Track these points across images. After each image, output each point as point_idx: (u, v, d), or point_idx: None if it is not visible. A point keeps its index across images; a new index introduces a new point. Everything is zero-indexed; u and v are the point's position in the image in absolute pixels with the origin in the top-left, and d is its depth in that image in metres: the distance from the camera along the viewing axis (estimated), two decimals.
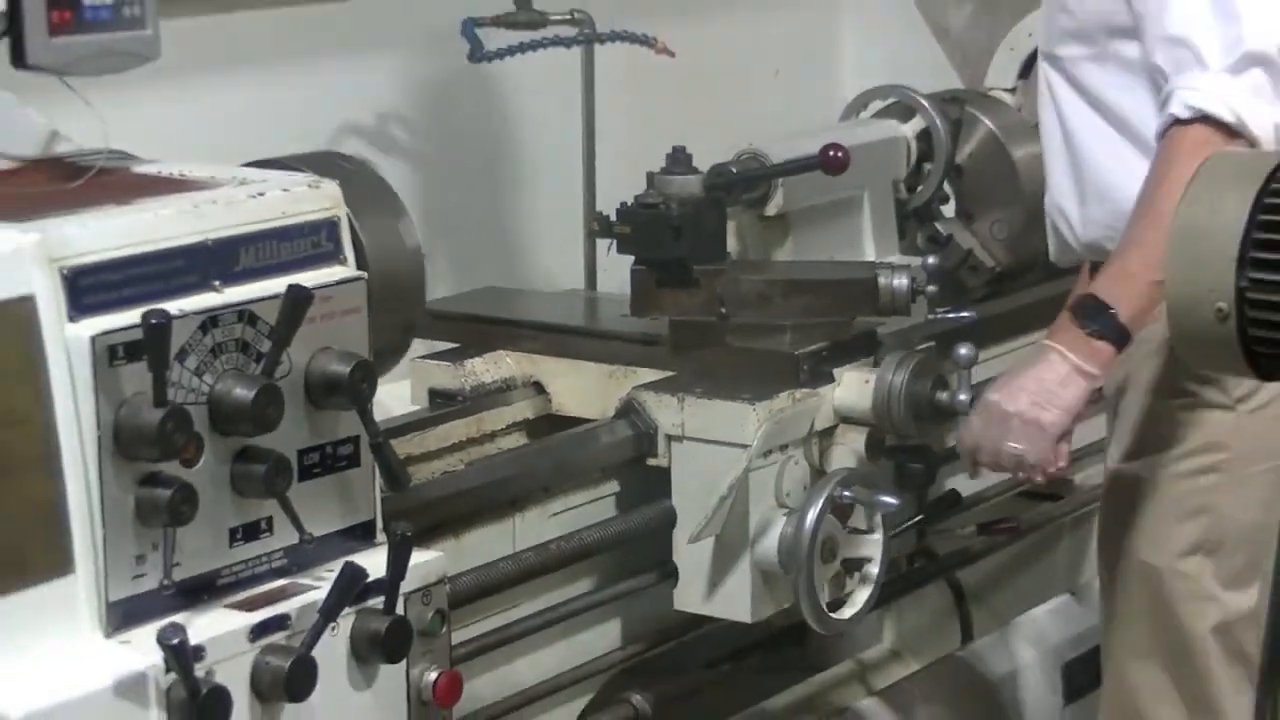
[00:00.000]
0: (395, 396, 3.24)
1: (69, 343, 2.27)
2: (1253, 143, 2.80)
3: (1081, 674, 3.87)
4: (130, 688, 2.24)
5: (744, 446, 3.07)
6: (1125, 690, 3.14)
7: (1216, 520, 3.00)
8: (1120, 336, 2.87)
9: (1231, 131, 2.81)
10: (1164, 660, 3.06)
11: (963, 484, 3.61)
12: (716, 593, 3.13)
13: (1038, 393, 2.90)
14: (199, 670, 2.25)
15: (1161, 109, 2.90)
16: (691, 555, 3.12)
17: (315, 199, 2.55)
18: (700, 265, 3.28)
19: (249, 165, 2.69)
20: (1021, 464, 2.98)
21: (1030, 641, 3.92)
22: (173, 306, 2.31)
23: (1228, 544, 3.00)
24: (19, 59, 2.46)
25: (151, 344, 2.27)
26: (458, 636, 2.74)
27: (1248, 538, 2.97)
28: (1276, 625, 1.82)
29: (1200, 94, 2.82)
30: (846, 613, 3.20)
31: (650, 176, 3.36)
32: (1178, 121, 2.84)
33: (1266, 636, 1.82)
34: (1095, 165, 3.14)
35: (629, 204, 3.37)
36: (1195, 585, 3.01)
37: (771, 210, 3.64)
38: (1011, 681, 3.80)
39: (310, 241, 2.53)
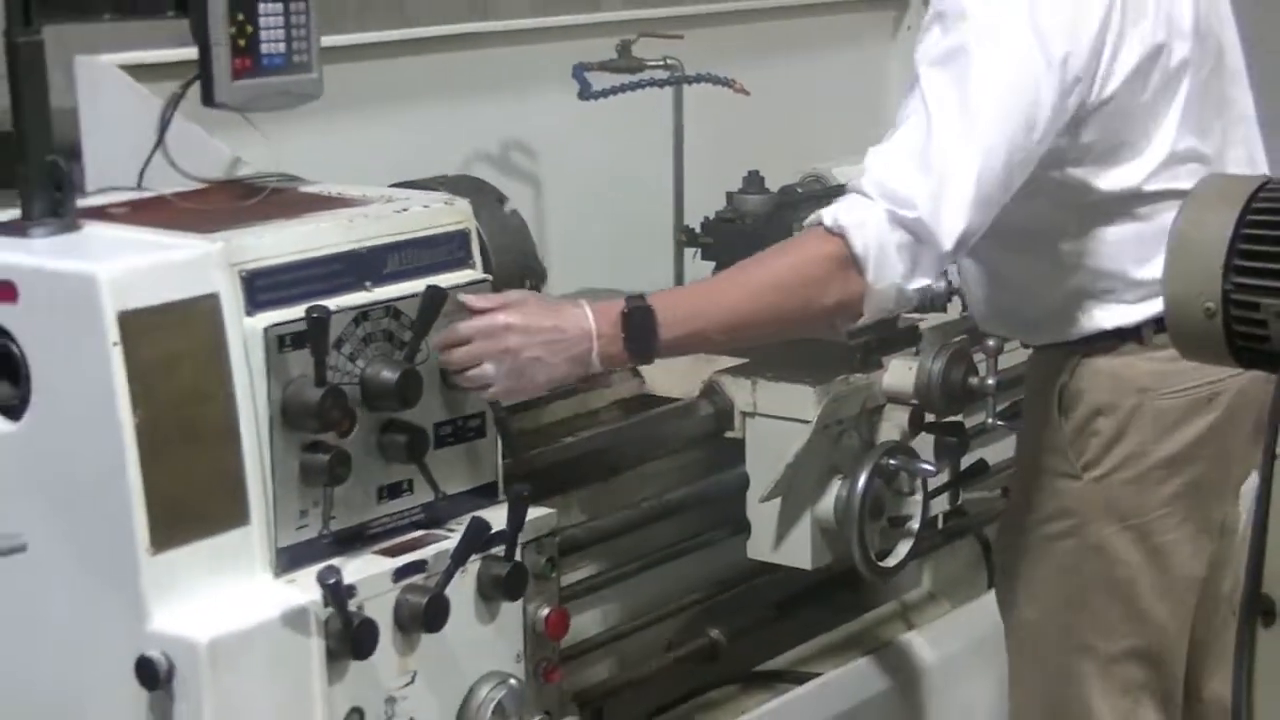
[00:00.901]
0: None
1: (246, 333, 2.29)
2: (870, 284, 2.45)
3: None
4: (295, 620, 2.26)
5: (806, 422, 3.06)
6: None
7: (1080, 578, 2.74)
8: (645, 358, 2.49)
9: (855, 264, 2.44)
10: (1045, 708, 2.84)
11: (990, 454, 3.59)
12: (782, 544, 3.13)
13: (550, 351, 2.40)
14: (351, 605, 2.28)
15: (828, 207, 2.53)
16: (761, 513, 3.12)
17: (449, 214, 2.56)
18: None
19: (395, 185, 2.70)
20: (479, 385, 2.43)
21: None
22: (331, 303, 2.34)
23: (1096, 598, 2.74)
24: (208, 98, 2.49)
25: (314, 334, 2.29)
26: (566, 579, 2.74)
27: (1119, 591, 2.72)
28: (1255, 579, 1.81)
29: (855, 220, 2.45)
30: (891, 561, 3.19)
31: (729, 196, 3.37)
32: (822, 224, 2.48)
33: (1244, 593, 1.81)
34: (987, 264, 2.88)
35: (711, 219, 3.38)
36: (1063, 638, 2.77)
37: None
38: None
39: (445, 249, 2.54)
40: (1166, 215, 2.55)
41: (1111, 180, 2.63)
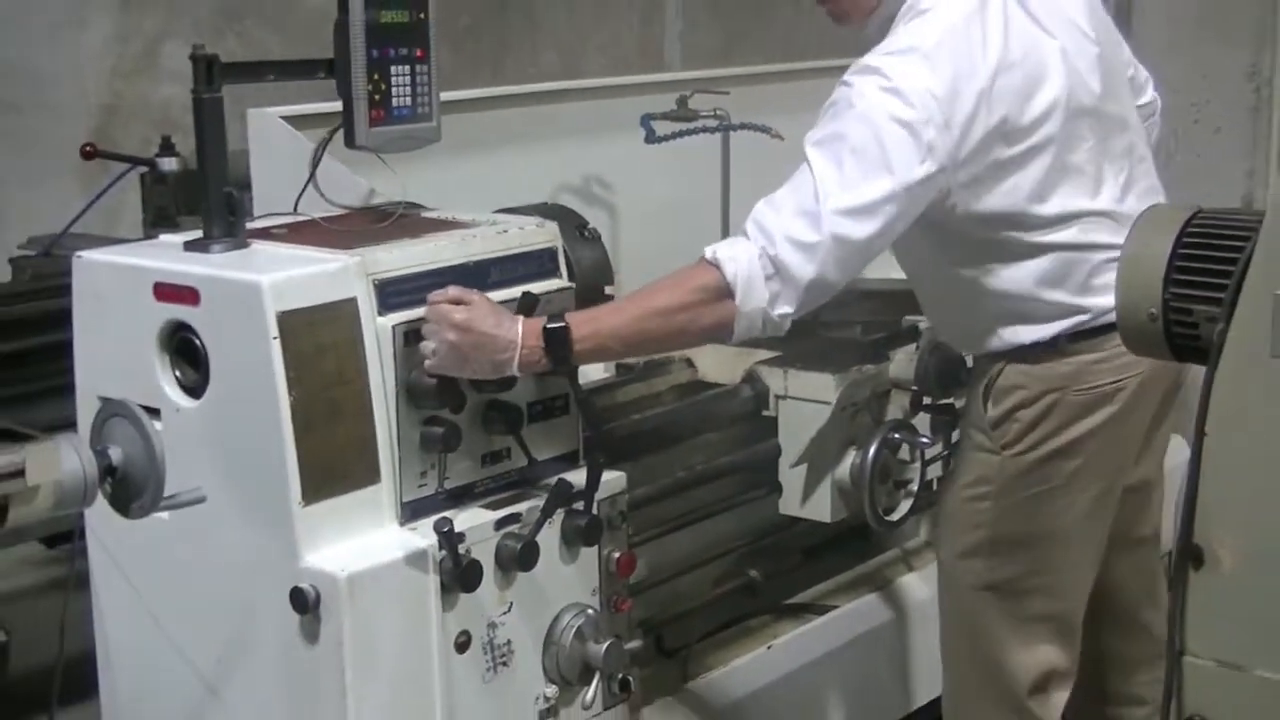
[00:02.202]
0: (593, 367, 3.25)
1: (378, 330, 2.31)
2: (738, 308, 2.40)
3: None
4: (416, 559, 2.28)
5: (828, 404, 3.06)
6: (947, 660, 2.87)
7: (989, 533, 2.70)
8: (562, 366, 2.42)
9: (728, 291, 2.40)
10: (959, 631, 2.82)
11: None
12: (807, 502, 3.12)
13: (477, 352, 2.33)
14: (461, 549, 2.29)
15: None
16: (790, 476, 3.12)
17: (541, 234, 2.57)
18: None
19: (498, 211, 2.71)
20: (424, 355, 2.33)
21: None
22: None
23: (1002, 550, 2.70)
24: (349, 142, 2.51)
25: None
26: (633, 529, 2.73)
27: (1023, 543, 2.70)
28: (1187, 532, 1.80)
29: (729, 254, 2.41)
30: (895, 516, 3.18)
31: None
32: (704, 259, 2.44)
33: (1177, 544, 1.81)
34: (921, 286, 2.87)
35: None
36: (974, 578, 2.73)
37: None
38: None
39: (537, 262, 2.55)
40: (1071, 253, 2.58)
41: (1016, 234, 2.58)
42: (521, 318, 2.39)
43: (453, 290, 2.36)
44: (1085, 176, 2.61)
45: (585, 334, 2.39)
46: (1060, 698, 2.78)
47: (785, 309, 2.44)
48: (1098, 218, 2.60)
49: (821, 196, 2.40)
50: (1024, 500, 2.68)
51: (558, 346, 2.37)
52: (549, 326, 2.37)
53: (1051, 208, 2.58)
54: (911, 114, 2.42)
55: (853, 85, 2.47)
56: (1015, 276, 2.61)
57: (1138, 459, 2.76)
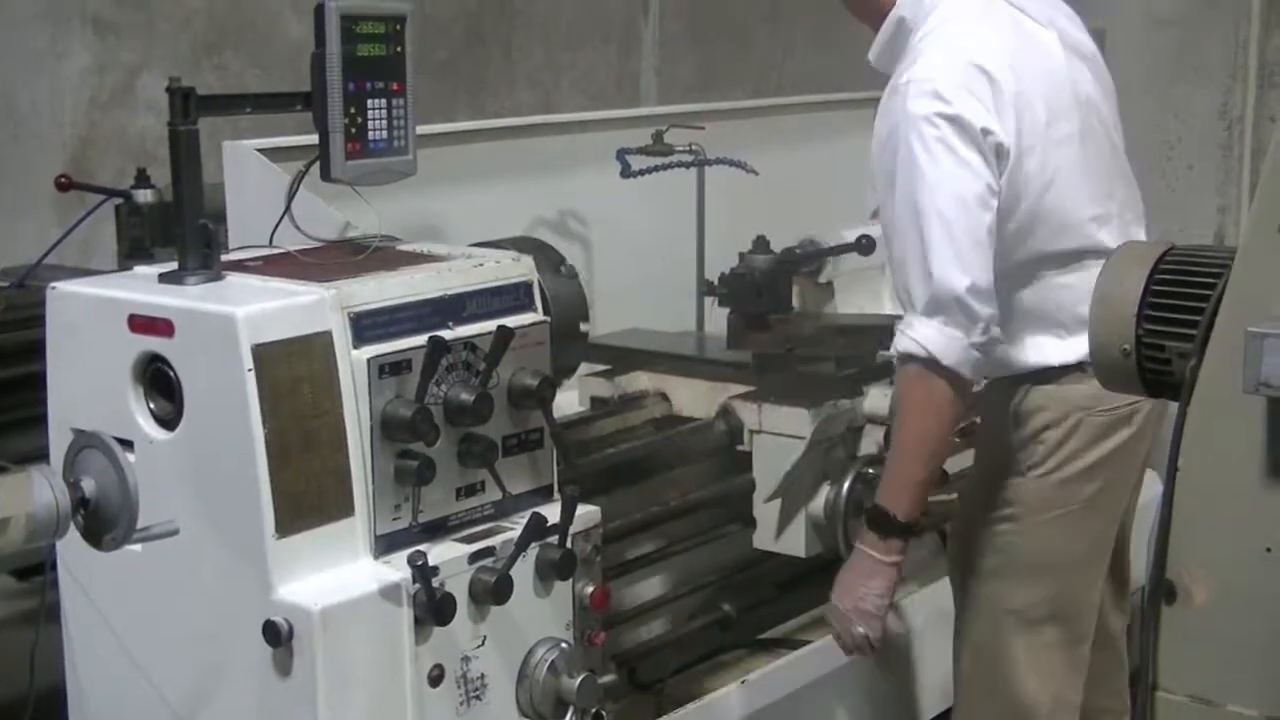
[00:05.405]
0: (568, 401, 3.25)
1: (353, 362, 2.30)
2: (950, 370, 2.53)
3: None
4: (390, 593, 2.27)
5: (802, 438, 3.06)
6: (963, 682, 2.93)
7: (1011, 557, 2.76)
8: (904, 532, 2.65)
9: (954, 379, 2.54)
10: (976, 657, 2.86)
11: (950, 465, 3.57)
12: (781, 536, 3.13)
13: (855, 587, 2.67)
14: (435, 582, 2.28)
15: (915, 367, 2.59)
16: (765, 511, 3.12)
17: (517, 268, 2.57)
18: (774, 315, 3.27)
19: (473, 245, 2.71)
20: (865, 647, 2.72)
21: None
22: (420, 339, 2.34)
23: (1023, 574, 2.76)
24: (325, 175, 2.51)
25: (431, 357, 2.32)
26: (607, 563, 2.73)
27: (1044, 568, 2.75)
28: (1160, 568, 1.81)
29: (904, 339, 2.55)
30: None
31: (741, 255, 3.36)
32: (924, 370, 2.56)
33: (1150, 580, 1.81)
34: None
35: (726, 274, 3.37)
36: (996, 602, 2.79)
37: (823, 278, 3.62)
38: None
39: (512, 296, 2.54)
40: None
41: (1044, 244, 2.66)
42: (864, 547, 2.66)
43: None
44: (1104, 181, 2.71)
45: (897, 496, 2.64)
46: None
47: (979, 337, 2.55)
48: (1112, 229, 2.69)
49: (932, 260, 2.53)
50: (1047, 523, 2.72)
51: (887, 527, 2.64)
52: (870, 517, 2.64)
53: (1086, 211, 2.66)
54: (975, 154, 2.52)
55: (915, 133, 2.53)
56: (1051, 293, 2.67)
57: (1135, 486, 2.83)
